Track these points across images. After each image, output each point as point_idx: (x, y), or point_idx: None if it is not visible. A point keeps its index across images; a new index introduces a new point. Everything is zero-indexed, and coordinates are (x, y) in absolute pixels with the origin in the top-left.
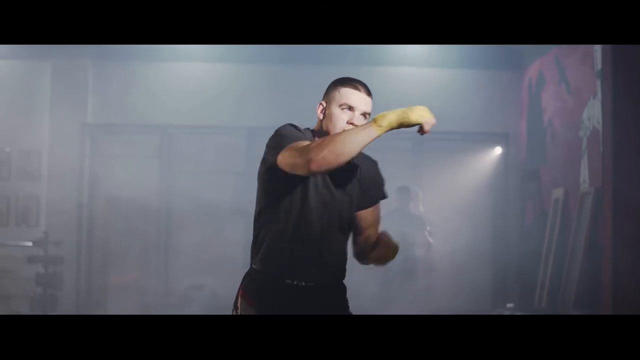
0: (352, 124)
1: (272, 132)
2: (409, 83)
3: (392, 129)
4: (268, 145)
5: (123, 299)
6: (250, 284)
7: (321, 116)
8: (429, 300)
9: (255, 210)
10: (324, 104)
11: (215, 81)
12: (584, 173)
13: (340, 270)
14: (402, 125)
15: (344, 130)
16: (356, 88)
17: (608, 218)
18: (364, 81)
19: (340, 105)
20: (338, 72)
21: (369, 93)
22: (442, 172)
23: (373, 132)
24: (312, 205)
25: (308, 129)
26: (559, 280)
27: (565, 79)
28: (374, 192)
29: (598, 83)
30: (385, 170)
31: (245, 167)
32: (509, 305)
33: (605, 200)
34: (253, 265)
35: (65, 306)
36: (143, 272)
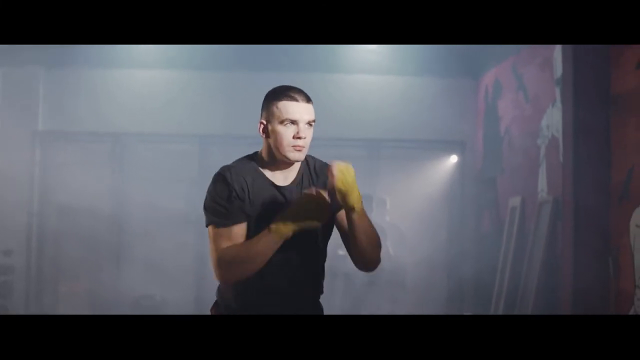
0: (299, 137)
1: (225, 141)
2: (365, 91)
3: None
4: (205, 199)
5: (74, 309)
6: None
7: (264, 136)
8: (388, 311)
9: None
10: (264, 122)
11: (167, 88)
12: (542, 181)
13: (317, 289)
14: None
15: (241, 244)
16: (294, 99)
17: (568, 227)
18: (318, 88)
19: (282, 122)
20: (292, 78)
21: (308, 100)
22: (398, 181)
23: (277, 243)
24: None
25: (256, 153)
26: (516, 289)
27: (523, 87)
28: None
29: (557, 90)
30: None
31: (198, 175)
32: (467, 314)
33: (566, 208)
34: (218, 296)
35: None
36: (94, 282)
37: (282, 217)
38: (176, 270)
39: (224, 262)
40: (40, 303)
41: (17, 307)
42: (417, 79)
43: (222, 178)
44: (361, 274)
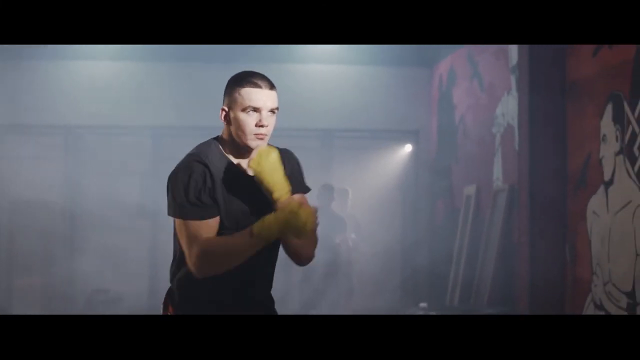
0: (261, 125)
1: (177, 132)
2: (319, 80)
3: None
4: (167, 188)
5: (28, 302)
6: (175, 305)
7: (225, 122)
8: (347, 301)
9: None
10: (226, 109)
11: (120, 80)
12: (498, 170)
13: (267, 285)
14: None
15: (225, 239)
16: (257, 85)
17: (525, 215)
18: (272, 78)
19: (244, 109)
20: (242, 69)
21: (272, 86)
22: (351, 171)
23: (260, 244)
24: (226, 225)
25: (216, 138)
26: (472, 278)
27: (478, 75)
28: (296, 188)
29: (513, 78)
30: None
31: (150, 166)
32: (422, 304)
33: (522, 197)
34: (171, 285)
35: None
36: (49, 275)
37: (267, 221)
38: (130, 263)
39: (202, 256)
40: None
41: None
42: (370, 67)
43: (191, 167)
44: (318, 266)
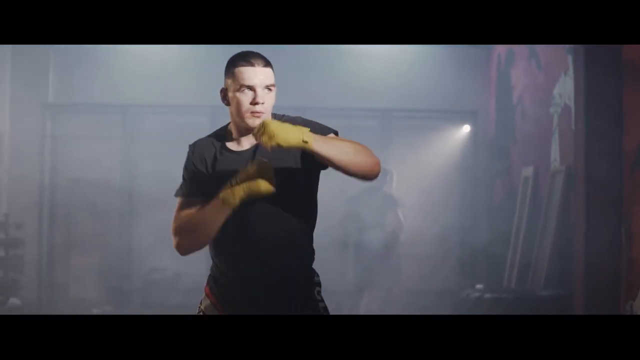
0: (256, 103)
1: None
2: (377, 60)
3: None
4: None
5: (86, 282)
6: (213, 283)
7: (226, 103)
8: (400, 281)
9: None
10: (225, 90)
11: (178, 59)
12: (555, 151)
13: (304, 250)
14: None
15: (196, 212)
16: (250, 64)
17: (581, 196)
18: (330, 59)
19: (239, 88)
20: (302, 48)
21: (266, 64)
22: (409, 151)
23: (226, 211)
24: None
25: (228, 123)
26: (529, 260)
27: (535, 55)
28: (316, 130)
29: (569, 58)
30: None
31: None
32: (478, 286)
33: (578, 178)
34: (212, 260)
35: (27, 290)
36: (106, 254)
37: (230, 185)
38: None
39: (178, 230)
40: (52, 276)
41: (29, 281)
42: (428, 47)
43: (188, 153)
44: (373, 245)
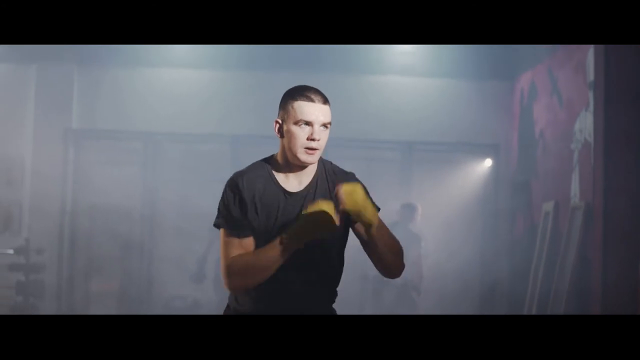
0: (312, 139)
1: (257, 141)
2: (399, 92)
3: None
4: (220, 202)
5: (105, 308)
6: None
7: (279, 135)
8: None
9: None
10: (280, 122)
11: (200, 88)
12: (575, 186)
13: (330, 294)
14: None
15: (253, 255)
16: (310, 99)
17: (598, 233)
18: (353, 90)
19: (296, 122)
20: (327, 79)
21: (325, 101)
22: (431, 183)
23: (286, 255)
24: (262, 241)
25: (272, 155)
26: (548, 294)
27: (557, 90)
28: None
29: (590, 95)
30: (372, 180)
31: (229, 175)
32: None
33: (596, 214)
34: (231, 301)
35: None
36: (126, 281)
37: (292, 230)
38: (207, 271)
39: (233, 271)
40: (71, 302)
41: (49, 306)
42: (451, 80)
43: (234, 185)
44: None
